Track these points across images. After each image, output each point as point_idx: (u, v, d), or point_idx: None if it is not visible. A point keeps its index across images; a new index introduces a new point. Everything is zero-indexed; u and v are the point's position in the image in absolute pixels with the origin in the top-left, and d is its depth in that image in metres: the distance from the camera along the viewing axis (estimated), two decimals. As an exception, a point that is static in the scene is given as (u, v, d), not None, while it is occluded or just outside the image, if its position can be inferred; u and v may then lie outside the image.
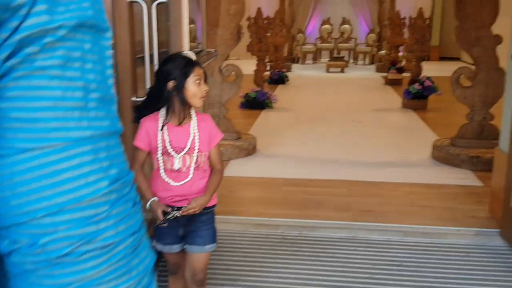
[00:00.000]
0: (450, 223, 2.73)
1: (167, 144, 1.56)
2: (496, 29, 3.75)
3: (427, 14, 12.64)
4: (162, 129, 1.56)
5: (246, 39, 6.29)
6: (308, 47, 12.24)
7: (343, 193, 3.24)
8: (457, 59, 12.77)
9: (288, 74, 9.78)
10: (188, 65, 1.55)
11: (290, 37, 12.48)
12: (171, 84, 1.53)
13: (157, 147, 1.57)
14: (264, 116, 5.84)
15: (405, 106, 6.25)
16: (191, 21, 2.49)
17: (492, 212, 2.84)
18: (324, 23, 12.53)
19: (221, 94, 4.17)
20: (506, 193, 2.59)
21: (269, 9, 12.66)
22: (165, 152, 1.57)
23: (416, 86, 6.07)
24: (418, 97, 6.12)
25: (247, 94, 6.24)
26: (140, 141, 1.58)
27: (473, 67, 3.89)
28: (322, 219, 2.78)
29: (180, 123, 1.56)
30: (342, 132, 4.98)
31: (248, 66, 6.60)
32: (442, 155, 3.87)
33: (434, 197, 3.18)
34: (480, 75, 3.85)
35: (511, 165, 2.61)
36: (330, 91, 7.69)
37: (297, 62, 12.20)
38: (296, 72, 10.34)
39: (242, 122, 5.41)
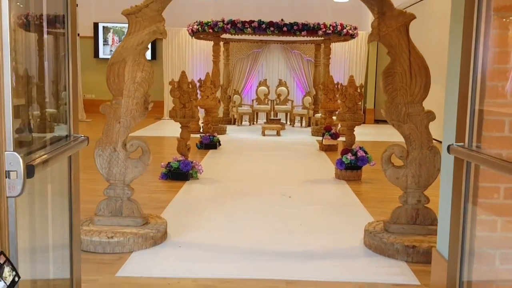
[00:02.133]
0: None
1: None
2: (428, 99, 3.46)
3: (360, 77, 12.89)
4: None
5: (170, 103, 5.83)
6: (245, 108, 11.95)
7: (259, 300, 2.70)
8: (392, 122, 12.82)
9: (222, 137, 9.36)
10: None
11: (226, 98, 12.20)
12: None
13: None
14: (186, 189, 5.29)
15: (338, 176, 5.89)
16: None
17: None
18: (260, 84, 12.35)
19: (125, 173, 3.60)
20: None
21: (204, 71, 12.40)
22: None
23: (349, 156, 5.74)
24: (351, 167, 5.79)
25: (169, 163, 5.70)
26: None
27: (404, 145, 3.55)
28: None
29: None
30: (269, 209, 4.49)
31: (176, 127, 6.14)
32: (375, 243, 3.44)
33: (365, 303, 2.69)
34: (412, 154, 3.51)
35: (453, 274, 2.18)
36: (263, 158, 7.28)
37: (234, 124, 11.85)
38: (231, 135, 9.93)
39: (157, 199, 4.83)
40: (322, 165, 6.81)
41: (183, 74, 5.93)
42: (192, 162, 5.74)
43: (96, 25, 13.09)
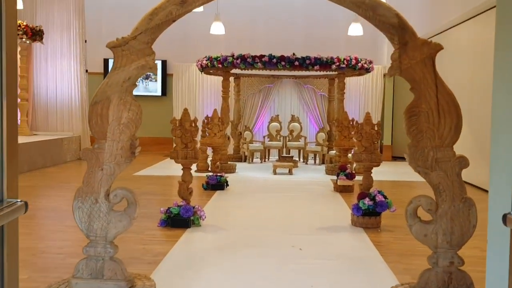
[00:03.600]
0: None
1: None
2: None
3: (376, 112, 12.40)
4: None
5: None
6: (256, 145, 11.49)
7: None
8: (411, 159, 12.25)
9: (231, 176, 8.90)
10: None
11: (237, 134, 11.78)
12: None
13: None
14: (186, 239, 4.78)
15: (354, 223, 5.34)
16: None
17: None
18: (272, 120, 11.93)
19: (107, 228, 3.12)
20: None
21: (215, 107, 12.03)
22: None
23: (367, 201, 5.20)
24: (369, 214, 5.24)
25: (168, 209, 5.21)
26: None
27: (433, 197, 3.03)
28: None
29: None
30: (277, 266, 3.95)
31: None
32: (400, 315, 2.88)
33: None
34: (442, 207, 2.98)
35: None
36: (273, 201, 6.75)
37: (245, 161, 11.39)
38: (241, 173, 9.44)
39: (152, 251, 4.32)
40: (337, 209, 6.27)
41: (186, 111, 5.51)
42: (194, 208, 5.25)
43: (106, 61, 12.88)
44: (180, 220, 5.15)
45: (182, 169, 5.42)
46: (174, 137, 5.40)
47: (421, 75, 2.94)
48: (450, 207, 2.98)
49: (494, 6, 7.30)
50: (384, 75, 12.32)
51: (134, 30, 3.10)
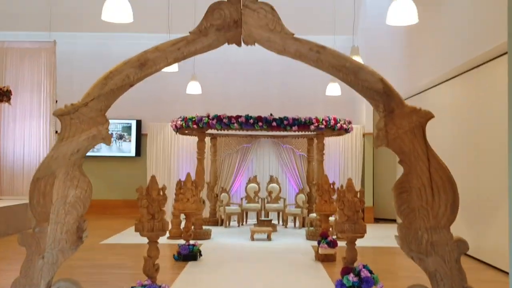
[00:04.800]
0: None
1: None
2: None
3: (357, 172, 12.12)
4: None
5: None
6: (233, 208, 11.01)
7: None
8: (393, 220, 11.90)
9: (206, 243, 8.38)
10: None
11: (213, 197, 11.32)
12: None
13: None
14: (150, 325, 4.23)
15: (339, 301, 4.85)
16: None
17: None
18: (250, 181, 11.52)
19: (46, 329, 2.61)
20: None
21: (191, 168, 11.62)
22: None
23: (351, 277, 4.75)
24: (354, 290, 4.77)
25: (132, 288, 4.68)
26: None
27: (428, 285, 2.62)
28: None
29: None
30: None
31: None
32: None
33: None
34: (441, 299, 2.57)
35: None
36: (250, 273, 6.23)
37: (221, 225, 10.86)
38: (216, 240, 8.91)
39: None
40: (319, 283, 5.77)
41: (153, 179, 5.07)
42: (160, 287, 4.72)
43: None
44: (144, 301, 4.61)
45: (148, 242, 4.93)
46: (140, 207, 4.93)
47: (411, 147, 2.60)
48: (450, 299, 2.57)
49: (474, 68, 7.21)
50: (364, 135, 12.14)
51: (85, 95, 2.72)
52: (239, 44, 2.72)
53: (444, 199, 2.60)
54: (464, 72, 7.60)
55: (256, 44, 2.71)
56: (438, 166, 2.60)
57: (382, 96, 2.61)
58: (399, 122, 2.61)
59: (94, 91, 2.71)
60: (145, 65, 2.71)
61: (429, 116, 2.62)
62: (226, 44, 2.79)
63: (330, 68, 2.64)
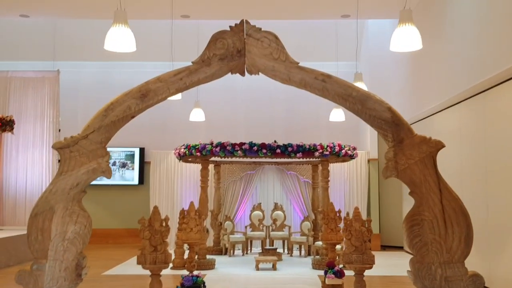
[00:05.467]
0: None
1: None
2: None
3: (362, 199, 11.97)
4: None
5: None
6: (237, 236, 10.85)
7: None
8: (400, 247, 11.69)
9: (210, 274, 8.21)
10: None
11: (217, 225, 11.17)
12: None
13: None
14: None
15: (348, 335, 4.69)
16: None
17: None
18: (254, 209, 11.37)
19: None
20: None
21: (195, 196, 11.51)
22: None
23: (360, 310, 4.60)
24: (363, 324, 4.62)
25: (134, 323, 4.53)
26: None
27: (445, 324, 2.49)
28: None
29: None
30: None
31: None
32: None
33: None
34: (457, 337, 2.44)
35: None
36: (254, 305, 6.07)
37: (225, 254, 10.68)
38: (220, 270, 8.74)
39: None
40: (327, 315, 5.60)
41: (155, 210, 4.97)
42: (163, 322, 4.58)
43: (81, 150, 12.43)
44: (147, 337, 4.46)
45: (150, 275, 4.81)
46: (142, 239, 4.82)
47: (422, 177, 2.51)
48: (467, 337, 2.44)
49: (480, 92, 7.15)
50: (369, 161, 12.03)
51: (85, 128, 2.66)
52: (242, 74, 2.67)
53: (457, 232, 2.49)
54: (470, 97, 7.54)
55: (260, 73, 2.65)
56: (450, 197, 2.51)
57: (390, 125, 2.53)
58: (409, 152, 2.53)
59: (95, 123, 2.65)
60: (146, 96, 2.65)
61: (439, 146, 2.54)
62: (230, 74, 2.73)
63: (336, 97, 2.57)
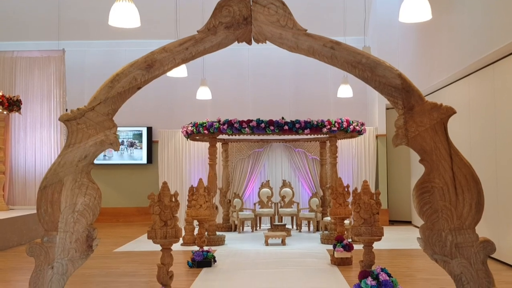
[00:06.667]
0: None
1: None
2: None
3: (371, 175, 11.93)
4: None
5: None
6: (246, 213, 10.90)
7: None
8: (408, 222, 11.70)
9: (220, 249, 8.28)
10: None
11: (226, 202, 11.22)
12: None
13: None
14: (164, 334, 4.13)
15: (357, 307, 4.72)
16: None
17: None
18: (263, 186, 11.40)
19: None
20: None
21: (203, 174, 11.54)
22: None
23: (369, 281, 4.62)
24: (373, 295, 4.64)
25: (146, 297, 4.59)
26: None
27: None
28: None
29: None
30: None
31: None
32: None
33: None
34: (468, 303, 2.43)
35: None
36: (265, 279, 6.11)
37: (235, 230, 10.75)
38: (230, 246, 8.80)
39: None
40: (336, 286, 5.63)
41: (165, 185, 4.98)
42: (174, 295, 4.62)
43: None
44: (158, 310, 4.51)
45: (161, 250, 4.84)
46: (152, 214, 4.84)
47: (432, 145, 2.48)
48: (478, 303, 2.44)
49: (490, 64, 7.05)
50: (377, 137, 11.97)
51: (92, 99, 2.64)
52: (249, 43, 2.63)
53: (468, 198, 2.47)
54: (480, 69, 7.44)
55: (267, 42, 2.61)
56: (461, 164, 2.48)
57: (400, 92, 2.49)
58: (420, 120, 2.49)
59: (101, 94, 2.63)
60: (152, 66, 2.62)
61: (451, 112, 2.50)
62: (236, 43, 2.69)
63: (345, 64, 2.53)
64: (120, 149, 11.89)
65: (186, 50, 2.60)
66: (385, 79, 2.48)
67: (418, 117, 2.49)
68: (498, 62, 6.84)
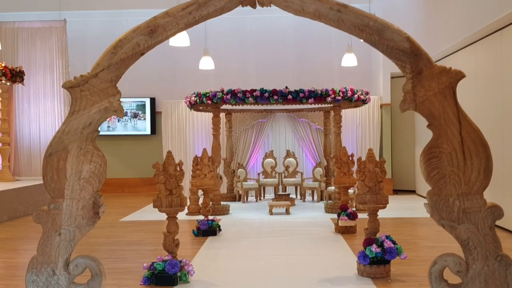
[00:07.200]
0: None
1: None
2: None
3: (375, 144, 11.90)
4: None
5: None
6: (250, 183, 10.94)
7: None
8: (412, 191, 11.74)
9: (224, 219, 8.34)
10: None
11: (230, 172, 11.25)
12: None
13: None
14: (171, 300, 4.19)
15: (361, 273, 4.76)
16: None
17: None
18: (267, 156, 11.41)
19: (66, 308, 2.55)
20: None
21: (207, 144, 11.55)
22: None
23: (374, 248, 4.65)
24: (377, 262, 4.67)
25: (152, 264, 4.63)
26: None
27: (461, 256, 2.49)
28: None
29: None
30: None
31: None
32: None
33: None
34: (474, 268, 2.44)
35: None
36: (269, 247, 6.16)
37: (239, 200, 10.82)
38: (235, 215, 8.86)
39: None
40: (341, 256, 5.68)
41: (169, 154, 4.98)
42: (181, 262, 4.67)
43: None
44: (165, 277, 4.56)
45: (167, 218, 4.87)
46: (157, 184, 4.85)
47: (441, 109, 2.44)
48: (483, 268, 2.45)
49: (497, 30, 6.93)
50: (381, 106, 11.89)
51: (95, 66, 2.61)
52: (254, 6, 2.57)
53: (476, 164, 2.45)
54: (486, 36, 7.32)
55: (272, 5, 2.55)
56: (470, 129, 2.45)
57: (409, 56, 2.44)
58: (428, 84, 2.45)
59: (104, 61, 2.59)
60: (155, 31, 2.57)
61: (460, 75, 2.46)
62: (240, 7, 2.64)
63: (352, 28, 2.48)
64: (124, 117, 11.87)
65: (189, 14, 2.55)
66: (393, 43, 2.43)
67: (426, 81, 2.45)
68: (505, 28, 6.72)
